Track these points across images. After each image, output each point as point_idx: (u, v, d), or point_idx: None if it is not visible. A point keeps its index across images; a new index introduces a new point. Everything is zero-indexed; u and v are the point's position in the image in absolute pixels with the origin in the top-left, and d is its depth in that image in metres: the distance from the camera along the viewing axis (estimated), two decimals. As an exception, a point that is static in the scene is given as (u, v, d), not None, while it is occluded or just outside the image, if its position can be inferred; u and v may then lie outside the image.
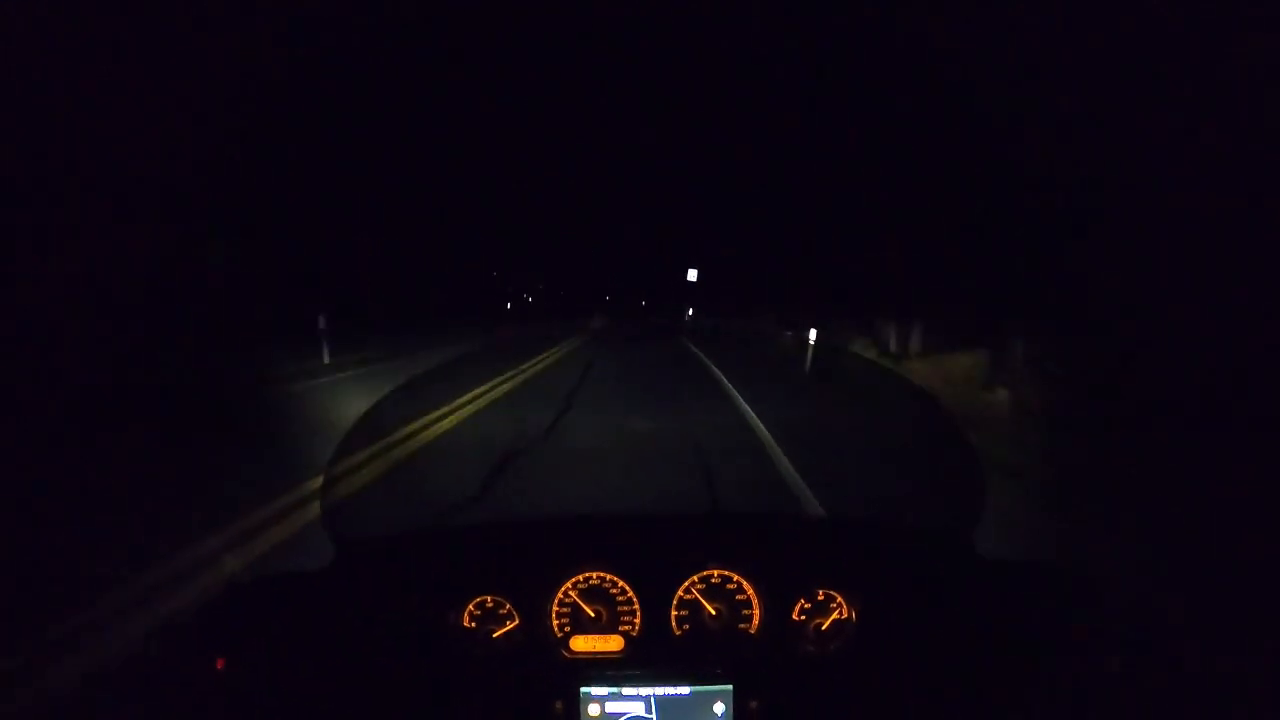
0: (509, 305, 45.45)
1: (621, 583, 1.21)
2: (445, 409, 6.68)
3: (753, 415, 6.69)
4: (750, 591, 1.21)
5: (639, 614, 1.21)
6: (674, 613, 1.21)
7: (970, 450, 1.34)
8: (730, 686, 1.14)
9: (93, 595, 2.67)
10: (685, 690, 1.14)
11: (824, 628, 1.21)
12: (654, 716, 1.14)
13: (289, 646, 1.15)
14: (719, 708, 1.14)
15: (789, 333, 15.26)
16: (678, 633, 1.21)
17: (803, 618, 1.21)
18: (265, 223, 15.47)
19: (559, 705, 1.14)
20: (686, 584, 1.21)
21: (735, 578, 1.22)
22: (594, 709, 1.14)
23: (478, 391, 8.00)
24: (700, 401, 7.97)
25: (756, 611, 1.21)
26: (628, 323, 34.52)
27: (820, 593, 1.21)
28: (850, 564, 1.25)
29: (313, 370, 10.78)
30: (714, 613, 1.21)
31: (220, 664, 1.08)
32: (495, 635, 1.20)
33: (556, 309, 51.25)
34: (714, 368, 11.87)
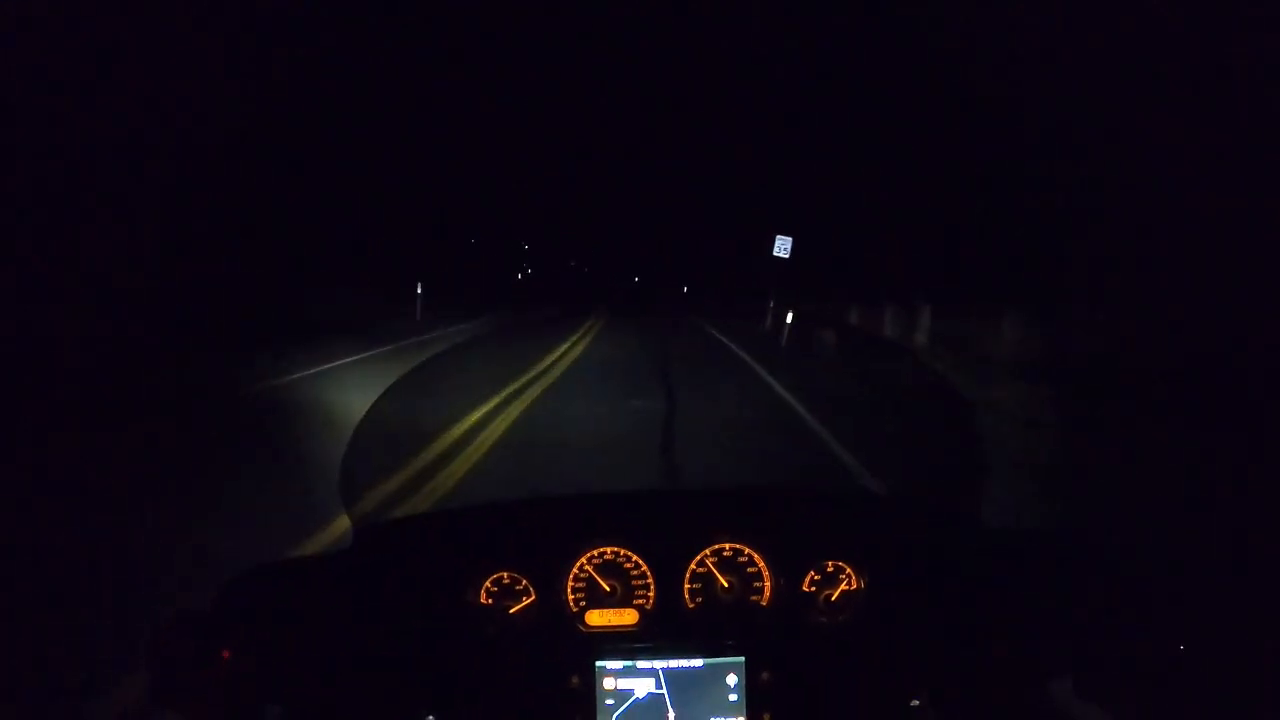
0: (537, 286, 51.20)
1: (635, 557, 1.24)
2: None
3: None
4: (761, 564, 1.24)
5: (653, 588, 1.23)
6: (687, 586, 1.23)
7: (974, 431, 1.36)
8: (742, 659, 1.16)
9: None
10: (699, 663, 1.17)
11: (833, 599, 1.23)
12: (668, 689, 1.17)
13: (307, 630, 1.17)
14: (731, 679, 1.16)
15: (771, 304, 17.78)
16: (691, 606, 1.23)
17: (813, 589, 1.24)
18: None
19: (575, 679, 1.16)
20: (699, 557, 1.24)
21: (747, 551, 1.24)
22: (609, 682, 1.17)
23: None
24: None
25: (768, 584, 1.24)
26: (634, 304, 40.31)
27: (830, 564, 1.24)
28: (858, 536, 1.28)
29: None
30: (726, 585, 1.23)
31: (226, 655, 1.09)
32: (512, 611, 1.22)
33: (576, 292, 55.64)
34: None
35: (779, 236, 15.26)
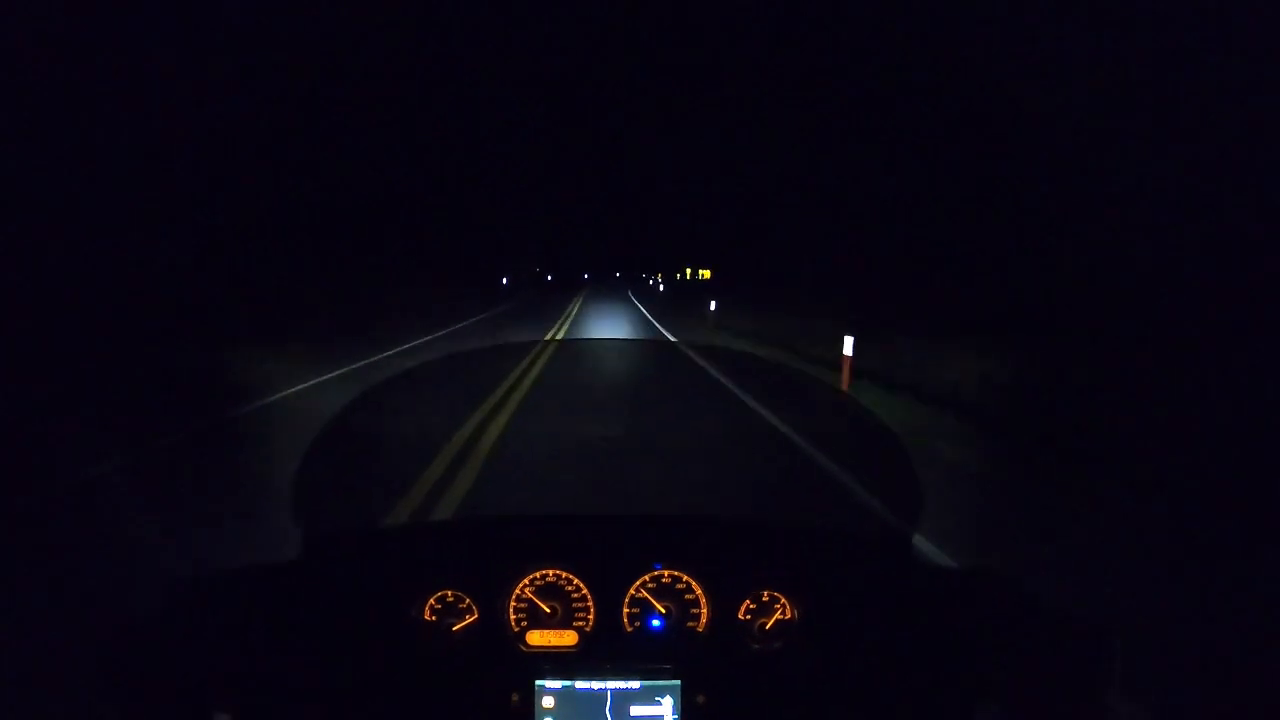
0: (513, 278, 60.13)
1: (576, 580, 1.27)
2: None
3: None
4: (699, 591, 1.27)
5: (593, 611, 1.26)
6: (626, 610, 1.27)
7: (906, 458, 1.40)
8: (678, 682, 1.19)
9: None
10: (636, 684, 1.20)
11: (768, 627, 1.26)
12: (606, 709, 1.20)
13: (253, 640, 1.19)
14: (667, 701, 1.19)
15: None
16: (629, 630, 1.26)
17: (748, 617, 1.27)
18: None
19: (515, 697, 1.19)
20: (638, 583, 1.27)
21: (685, 578, 1.27)
22: (549, 701, 1.19)
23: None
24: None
25: (704, 610, 1.27)
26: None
27: (765, 594, 1.27)
28: (793, 567, 1.31)
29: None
30: (664, 611, 1.26)
31: (175, 663, 1.11)
32: (455, 629, 1.25)
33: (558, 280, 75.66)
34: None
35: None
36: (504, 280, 38.52)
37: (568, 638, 1.25)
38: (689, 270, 47.31)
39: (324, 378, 8.62)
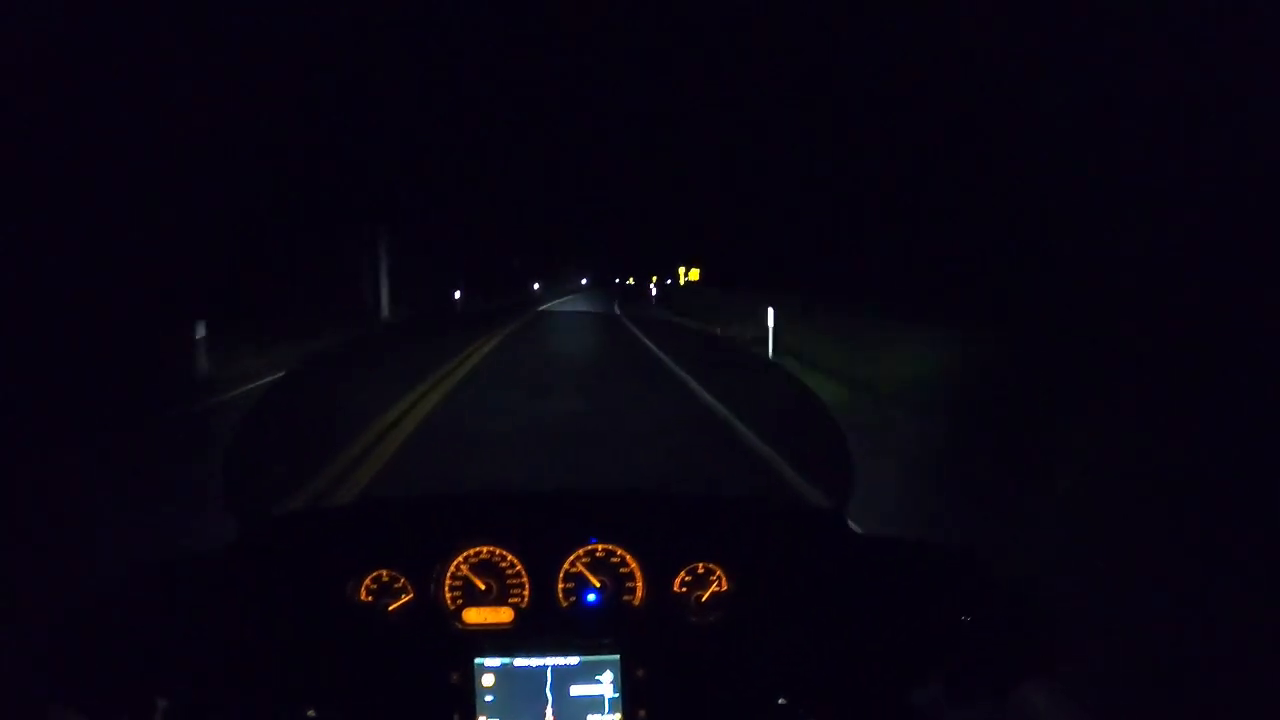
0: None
1: (510, 556, 1.26)
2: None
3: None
4: (634, 565, 1.26)
5: (527, 587, 1.25)
6: (561, 585, 1.26)
7: (836, 428, 1.39)
8: (617, 657, 1.19)
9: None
10: (575, 661, 1.19)
11: (704, 599, 1.26)
12: (547, 686, 1.19)
13: (191, 625, 1.18)
14: (608, 676, 1.19)
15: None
16: (565, 605, 1.26)
17: (684, 590, 1.26)
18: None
19: (455, 676, 1.18)
20: (572, 558, 1.26)
21: (619, 551, 1.27)
22: (488, 679, 1.19)
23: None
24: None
25: (640, 584, 1.26)
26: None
27: (700, 566, 1.27)
28: (728, 538, 1.31)
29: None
30: (599, 585, 1.25)
31: (116, 650, 1.11)
32: (391, 609, 1.24)
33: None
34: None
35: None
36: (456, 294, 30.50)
37: (503, 615, 1.24)
38: (684, 270, 42.82)
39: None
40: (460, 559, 1.26)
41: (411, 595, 1.25)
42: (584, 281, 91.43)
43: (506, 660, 1.19)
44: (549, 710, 1.18)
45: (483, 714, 1.18)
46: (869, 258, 15.63)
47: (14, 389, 5.84)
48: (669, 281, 47.30)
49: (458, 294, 31.64)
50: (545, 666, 1.19)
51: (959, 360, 7.45)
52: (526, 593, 1.25)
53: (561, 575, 1.26)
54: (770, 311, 9.45)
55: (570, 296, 59.41)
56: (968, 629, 1.19)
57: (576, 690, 1.19)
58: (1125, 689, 2.00)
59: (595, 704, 1.18)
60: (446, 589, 1.25)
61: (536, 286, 56.61)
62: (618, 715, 1.18)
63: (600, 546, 1.27)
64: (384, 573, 1.25)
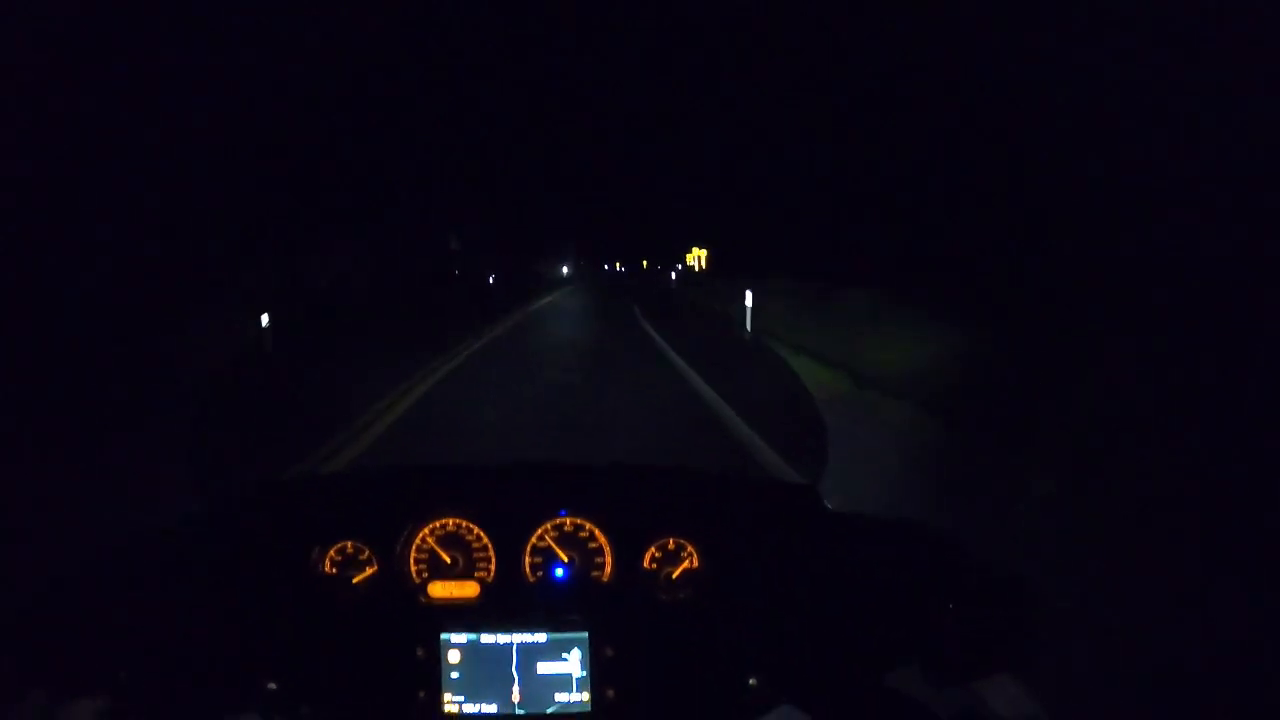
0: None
1: (477, 529, 1.23)
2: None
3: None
4: (602, 539, 1.24)
5: (493, 560, 1.23)
6: (528, 560, 1.23)
7: (812, 406, 1.36)
8: (586, 634, 1.16)
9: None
10: (543, 637, 1.16)
11: (674, 576, 1.23)
12: (513, 662, 1.16)
13: (156, 597, 1.16)
14: (576, 653, 1.16)
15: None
16: (531, 580, 1.23)
17: (654, 566, 1.24)
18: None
19: (420, 651, 1.15)
20: (540, 531, 1.23)
21: (588, 526, 1.24)
22: (454, 655, 1.16)
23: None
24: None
25: (609, 559, 1.23)
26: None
27: (671, 541, 1.24)
28: (699, 513, 1.28)
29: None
30: (566, 560, 1.23)
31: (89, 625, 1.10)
32: (355, 581, 1.22)
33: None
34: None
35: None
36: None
37: (469, 589, 1.22)
38: (698, 254, 42.96)
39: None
40: (426, 531, 1.23)
41: (376, 568, 1.22)
42: (565, 271, 70.24)
43: (473, 636, 1.16)
44: (515, 688, 1.15)
45: (448, 691, 1.15)
46: (869, 254, 15.70)
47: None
48: (679, 268, 50.74)
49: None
50: (511, 644, 1.16)
51: (932, 343, 7.55)
52: (493, 567, 1.23)
53: (528, 549, 1.23)
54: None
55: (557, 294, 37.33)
56: (945, 609, 1.16)
57: (544, 668, 1.16)
58: (1105, 675, 1.98)
59: (563, 682, 1.16)
60: (412, 561, 1.23)
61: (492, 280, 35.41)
62: (586, 694, 1.15)
63: (569, 520, 1.24)
64: (348, 544, 1.22)
